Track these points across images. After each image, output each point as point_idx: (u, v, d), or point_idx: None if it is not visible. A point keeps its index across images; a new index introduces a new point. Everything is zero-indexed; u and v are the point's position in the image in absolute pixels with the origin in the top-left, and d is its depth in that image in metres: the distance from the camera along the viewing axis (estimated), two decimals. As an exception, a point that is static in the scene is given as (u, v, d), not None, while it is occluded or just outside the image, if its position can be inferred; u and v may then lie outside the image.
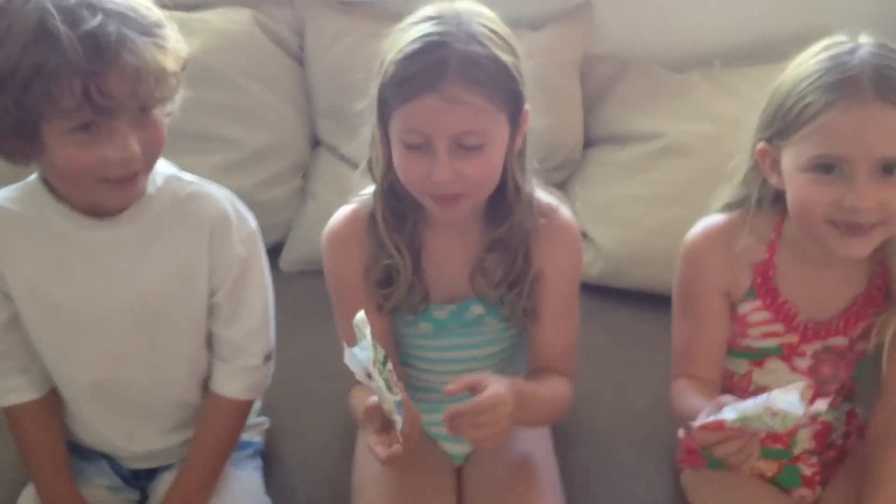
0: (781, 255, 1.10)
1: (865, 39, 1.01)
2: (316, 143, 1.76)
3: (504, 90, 0.99)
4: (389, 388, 0.92)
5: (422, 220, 1.11)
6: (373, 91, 1.03)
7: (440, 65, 0.96)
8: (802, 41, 1.05)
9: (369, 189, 1.13)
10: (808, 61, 1.01)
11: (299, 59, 1.73)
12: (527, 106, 1.04)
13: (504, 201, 1.08)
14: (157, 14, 0.95)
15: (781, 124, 1.01)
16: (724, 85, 1.66)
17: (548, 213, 1.12)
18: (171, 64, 0.95)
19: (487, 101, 0.97)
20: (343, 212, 1.14)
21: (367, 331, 0.92)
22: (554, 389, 1.11)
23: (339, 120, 1.63)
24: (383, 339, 1.12)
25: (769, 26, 1.71)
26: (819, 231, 1.00)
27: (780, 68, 1.06)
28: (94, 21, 0.88)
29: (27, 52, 0.87)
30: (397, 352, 1.19)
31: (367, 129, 1.08)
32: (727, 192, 1.14)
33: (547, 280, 1.12)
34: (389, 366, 0.93)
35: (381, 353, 0.92)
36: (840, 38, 1.02)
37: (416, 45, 0.97)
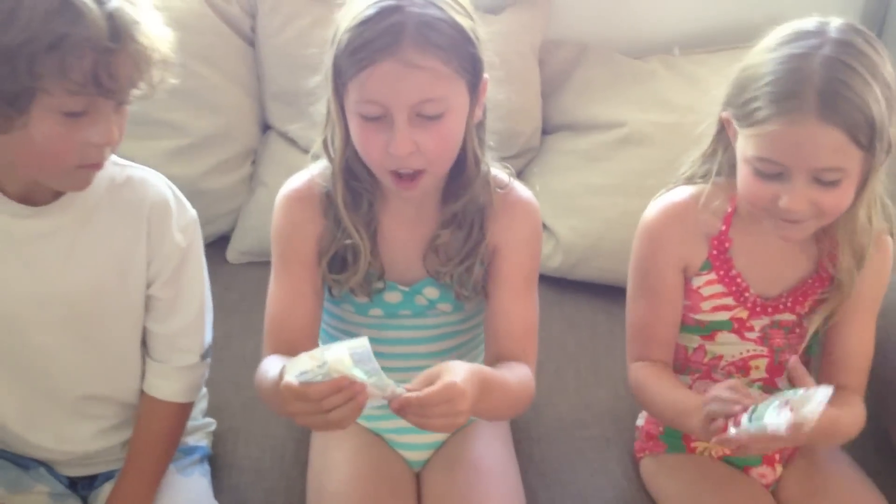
0: (737, 228, 1.12)
1: (834, 29, 0.99)
2: (266, 128, 1.72)
3: (462, 54, 0.97)
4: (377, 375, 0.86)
5: (378, 199, 1.08)
6: (327, 62, 1.00)
7: (396, 28, 0.94)
8: (761, 28, 1.05)
9: (321, 163, 1.09)
10: (772, 53, 1.00)
11: (250, 41, 1.69)
12: (486, 75, 1.02)
13: (462, 176, 1.06)
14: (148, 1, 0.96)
15: (738, 111, 1.03)
16: (684, 72, 1.67)
17: (503, 185, 1.10)
18: (167, 51, 0.95)
19: (446, 65, 0.95)
20: (302, 175, 1.11)
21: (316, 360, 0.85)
22: (519, 377, 1.04)
23: (290, 104, 1.61)
24: (315, 321, 1.09)
25: (728, 13, 1.73)
26: (760, 216, 1.05)
27: (739, 55, 1.06)
28: (115, 1, 0.89)
29: (50, 22, 0.86)
30: None
31: (322, 105, 1.05)
32: (689, 164, 1.15)
33: (504, 254, 1.09)
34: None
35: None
36: (810, 24, 1.00)
37: (370, 11, 0.95)
